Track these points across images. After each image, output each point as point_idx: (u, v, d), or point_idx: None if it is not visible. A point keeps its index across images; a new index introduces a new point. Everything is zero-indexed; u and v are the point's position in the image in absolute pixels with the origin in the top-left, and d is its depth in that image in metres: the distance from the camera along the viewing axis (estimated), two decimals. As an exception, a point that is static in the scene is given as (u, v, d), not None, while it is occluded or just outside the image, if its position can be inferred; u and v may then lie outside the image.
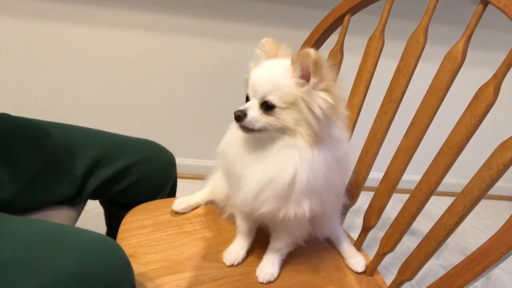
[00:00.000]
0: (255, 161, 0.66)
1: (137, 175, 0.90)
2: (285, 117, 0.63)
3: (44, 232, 0.59)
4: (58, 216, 0.83)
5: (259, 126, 0.63)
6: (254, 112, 0.63)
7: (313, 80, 0.60)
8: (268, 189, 0.64)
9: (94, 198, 0.93)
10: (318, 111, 0.60)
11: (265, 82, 0.63)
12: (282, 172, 0.63)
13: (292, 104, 0.62)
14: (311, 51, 0.58)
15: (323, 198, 0.66)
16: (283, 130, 0.64)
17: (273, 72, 0.64)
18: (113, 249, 0.60)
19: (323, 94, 0.60)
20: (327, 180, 0.64)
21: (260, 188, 0.65)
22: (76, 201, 0.86)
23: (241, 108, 0.64)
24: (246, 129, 0.64)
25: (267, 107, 0.63)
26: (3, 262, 0.53)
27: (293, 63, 0.61)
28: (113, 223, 1.02)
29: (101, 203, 1.03)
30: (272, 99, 0.62)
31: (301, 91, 0.61)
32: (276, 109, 0.62)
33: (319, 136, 0.62)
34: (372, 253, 0.85)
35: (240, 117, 0.63)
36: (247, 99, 0.66)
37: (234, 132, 0.71)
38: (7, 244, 0.56)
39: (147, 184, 0.93)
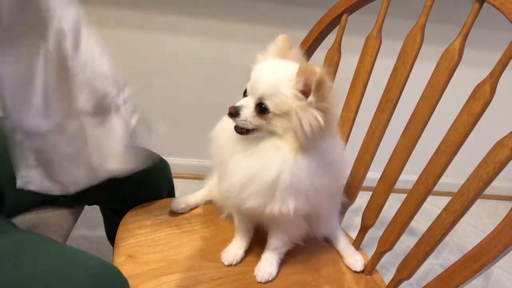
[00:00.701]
0: (242, 152, 0.67)
1: (129, 184, 0.87)
2: (276, 123, 0.63)
3: (56, 257, 0.60)
4: (57, 216, 0.83)
5: (250, 127, 0.64)
6: (247, 112, 0.64)
7: (311, 99, 0.60)
8: (253, 184, 0.65)
9: (87, 203, 0.92)
10: (307, 128, 0.61)
11: (266, 84, 0.64)
12: (266, 170, 0.64)
13: (285, 113, 0.62)
14: (318, 70, 0.58)
15: (310, 199, 0.66)
16: (272, 132, 0.65)
17: (276, 76, 0.64)
18: (117, 278, 0.62)
19: (316, 114, 0.60)
20: (313, 183, 0.64)
21: (245, 182, 0.65)
22: (64, 203, 0.86)
23: (237, 104, 0.65)
24: (239, 130, 0.65)
25: (261, 109, 0.63)
26: (12, 283, 0.55)
27: (298, 75, 0.61)
28: (111, 230, 1.01)
29: (101, 210, 1.03)
30: (268, 103, 0.63)
31: (296, 104, 0.61)
32: (270, 114, 0.63)
33: (304, 146, 0.63)
34: (370, 252, 0.85)
35: (233, 114, 0.64)
36: (245, 94, 0.67)
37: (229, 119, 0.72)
38: (22, 265, 0.57)
39: (140, 193, 0.92)
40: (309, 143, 0.63)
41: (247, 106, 0.64)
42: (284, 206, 0.65)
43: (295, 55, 0.69)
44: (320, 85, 0.58)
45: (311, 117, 0.60)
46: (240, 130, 0.66)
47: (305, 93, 0.61)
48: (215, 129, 0.75)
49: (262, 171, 0.64)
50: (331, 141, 0.67)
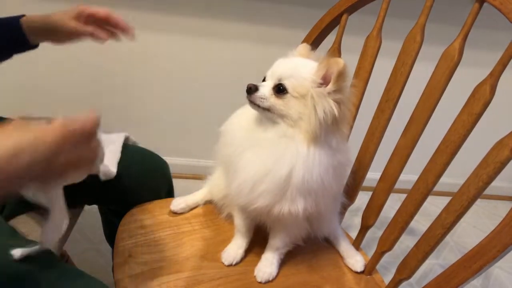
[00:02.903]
0: (254, 147, 0.67)
1: (127, 184, 0.88)
2: (292, 105, 0.64)
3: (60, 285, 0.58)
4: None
5: (265, 105, 0.65)
6: (265, 90, 0.65)
7: (330, 87, 0.61)
8: (266, 180, 0.65)
9: (87, 203, 0.92)
10: (320, 114, 0.61)
11: (286, 67, 0.66)
12: (279, 163, 0.64)
13: (302, 97, 0.63)
14: (342, 61, 0.59)
15: (318, 198, 0.66)
16: (285, 119, 0.65)
17: (297, 62, 0.67)
18: None
19: (332, 103, 0.61)
20: (323, 181, 0.64)
21: (258, 179, 0.65)
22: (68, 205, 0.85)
23: (255, 83, 0.66)
24: (254, 104, 0.66)
25: (279, 90, 0.64)
26: None
27: (320, 63, 0.62)
28: (110, 231, 1.01)
29: (99, 210, 1.03)
30: (286, 83, 0.64)
31: (314, 89, 0.62)
32: (287, 95, 0.64)
33: (316, 137, 0.63)
34: (370, 252, 0.85)
35: (251, 89, 0.65)
36: (263, 81, 0.68)
37: (240, 115, 0.73)
38: None
39: (139, 192, 0.92)
40: (322, 136, 0.63)
41: (266, 86, 0.66)
42: (294, 206, 0.65)
43: (315, 58, 0.71)
44: (341, 75, 0.60)
45: (326, 105, 0.61)
46: (254, 104, 0.66)
47: (325, 82, 0.62)
48: (225, 124, 0.75)
49: (275, 165, 0.64)
50: (341, 141, 0.67)
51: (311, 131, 0.62)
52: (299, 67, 0.65)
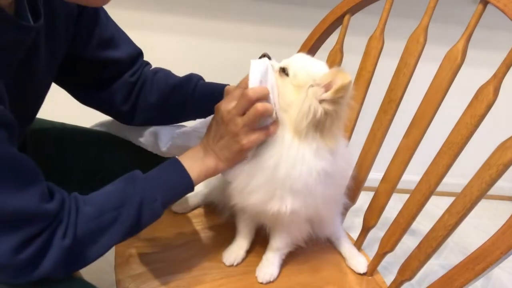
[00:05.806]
0: None
1: None
2: (288, 90, 0.64)
3: None
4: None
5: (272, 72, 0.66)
6: (274, 62, 0.67)
7: (327, 94, 0.60)
8: (257, 176, 0.65)
9: None
10: (304, 110, 0.61)
11: (299, 58, 0.68)
12: (268, 153, 0.64)
13: (298, 87, 0.63)
14: (349, 78, 0.59)
15: (308, 203, 0.66)
16: (280, 99, 0.65)
17: (311, 60, 0.68)
18: None
19: (319, 107, 0.61)
20: (307, 184, 0.64)
21: (250, 172, 0.66)
22: None
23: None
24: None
25: (283, 71, 0.66)
26: None
27: (329, 71, 0.63)
28: None
29: None
30: (290, 68, 0.65)
31: (311, 88, 0.62)
32: (287, 79, 0.65)
33: (300, 131, 0.62)
34: (372, 253, 0.85)
35: (264, 56, 0.66)
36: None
37: None
38: None
39: None
40: (305, 133, 0.62)
41: (274, 62, 0.67)
42: (283, 204, 0.66)
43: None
44: (342, 88, 0.59)
45: (315, 104, 0.61)
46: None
47: (326, 89, 0.61)
48: None
49: (265, 154, 0.65)
50: (325, 149, 0.65)
51: (296, 122, 0.62)
52: (311, 63, 0.67)
